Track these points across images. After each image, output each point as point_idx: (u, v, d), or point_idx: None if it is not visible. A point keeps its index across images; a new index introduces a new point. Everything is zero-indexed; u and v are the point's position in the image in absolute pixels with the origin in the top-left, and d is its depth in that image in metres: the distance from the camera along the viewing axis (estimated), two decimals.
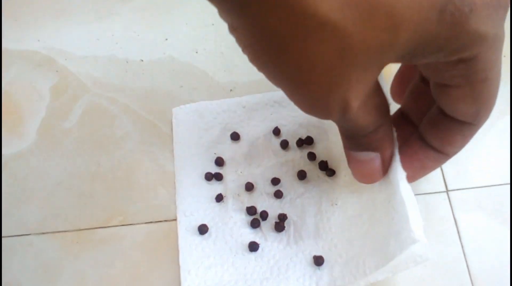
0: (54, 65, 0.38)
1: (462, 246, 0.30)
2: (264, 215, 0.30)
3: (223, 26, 0.36)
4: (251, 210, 0.30)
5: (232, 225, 0.31)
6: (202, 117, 0.35)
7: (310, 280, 0.28)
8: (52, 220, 0.33)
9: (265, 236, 0.30)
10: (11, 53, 0.39)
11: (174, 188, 0.33)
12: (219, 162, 0.33)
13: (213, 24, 0.39)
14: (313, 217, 0.30)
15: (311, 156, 0.32)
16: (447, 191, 0.31)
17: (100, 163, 0.34)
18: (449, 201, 0.31)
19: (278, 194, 0.31)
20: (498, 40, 0.20)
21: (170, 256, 0.31)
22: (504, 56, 0.34)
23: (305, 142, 0.32)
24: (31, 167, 0.35)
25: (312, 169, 0.32)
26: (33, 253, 0.32)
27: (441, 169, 0.32)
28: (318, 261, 0.28)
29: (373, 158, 0.26)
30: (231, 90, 0.36)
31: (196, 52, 0.38)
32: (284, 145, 0.33)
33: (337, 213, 0.30)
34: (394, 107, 0.28)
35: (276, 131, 0.33)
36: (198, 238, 0.31)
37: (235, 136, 0.33)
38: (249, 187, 0.31)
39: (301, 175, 0.31)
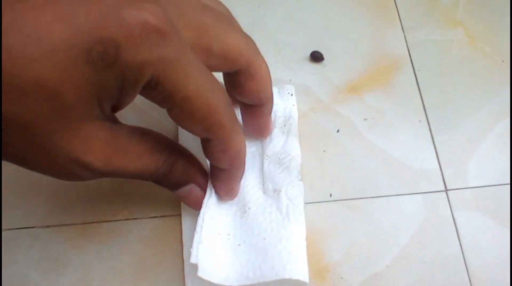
0: None
1: (461, 245, 0.30)
2: None
3: None
4: None
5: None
6: None
7: None
8: (58, 213, 0.33)
9: None
10: None
11: None
12: None
13: None
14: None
15: None
16: (446, 190, 0.32)
17: None
18: (448, 200, 0.32)
19: None
20: (169, 61, 0.20)
21: (174, 250, 0.31)
22: (503, 61, 0.35)
23: None
24: None
25: None
26: (39, 246, 0.32)
27: (441, 169, 0.33)
28: None
29: (191, 190, 0.28)
30: None
31: None
32: None
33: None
34: None
35: None
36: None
37: None
38: None
39: None
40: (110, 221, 0.33)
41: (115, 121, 0.24)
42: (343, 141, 0.34)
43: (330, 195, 0.32)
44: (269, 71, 0.28)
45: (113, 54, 0.19)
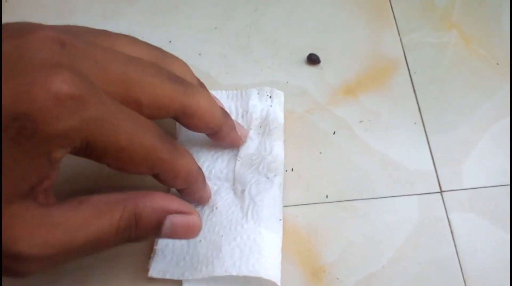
0: None
1: (455, 246, 0.31)
2: None
3: (227, 29, 0.38)
4: None
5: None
6: None
7: None
8: None
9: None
10: None
11: None
12: None
13: (216, 28, 0.40)
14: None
15: None
16: (441, 191, 0.32)
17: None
18: (443, 201, 0.32)
19: None
20: (93, 121, 0.20)
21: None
22: (497, 64, 0.36)
23: None
24: None
25: None
26: None
27: (436, 171, 0.33)
28: None
29: (173, 223, 0.25)
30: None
31: (200, 55, 0.39)
32: None
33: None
34: None
35: None
36: None
37: None
38: None
39: None
40: None
41: (47, 197, 0.22)
42: (339, 142, 0.34)
43: (326, 196, 0.33)
44: (210, 101, 0.28)
45: (31, 127, 0.19)
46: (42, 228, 0.20)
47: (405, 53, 0.38)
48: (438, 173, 0.33)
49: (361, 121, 0.35)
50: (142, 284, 0.30)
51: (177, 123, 0.35)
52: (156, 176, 0.26)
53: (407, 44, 0.39)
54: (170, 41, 0.40)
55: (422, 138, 0.34)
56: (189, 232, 0.26)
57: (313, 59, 0.38)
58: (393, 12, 0.40)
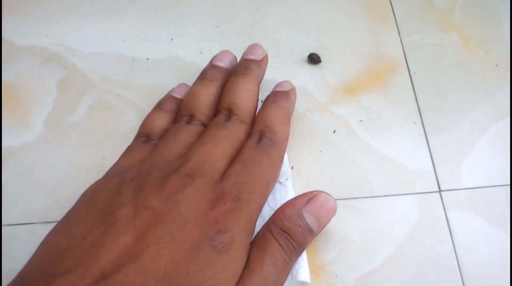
0: (61, 61, 0.39)
1: (454, 244, 0.31)
2: None
3: (228, 28, 0.38)
4: None
5: None
6: None
7: None
8: (57, 210, 0.33)
9: None
10: (20, 48, 0.40)
11: None
12: None
13: (218, 26, 0.40)
14: None
15: None
16: (440, 191, 0.33)
17: (105, 157, 0.35)
18: (442, 200, 0.32)
19: None
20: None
21: None
22: (497, 65, 0.36)
23: None
24: (38, 158, 0.35)
25: None
26: (37, 242, 0.32)
27: (435, 170, 0.33)
28: None
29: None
30: None
31: (201, 53, 0.39)
32: None
33: None
34: None
35: None
36: None
37: None
38: None
39: None
40: None
41: None
42: (339, 141, 0.35)
43: None
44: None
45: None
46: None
47: (405, 54, 0.38)
48: (437, 172, 0.33)
49: (361, 121, 0.35)
50: None
51: None
52: None
53: (408, 44, 0.39)
54: (172, 39, 0.40)
55: (422, 138, 0.35)
56: (329, 210, 0.28)
57: (314, 59, 0.38)
58: (393, 13, 0.41)
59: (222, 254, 0.23)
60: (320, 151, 0.34)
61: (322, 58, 0.38)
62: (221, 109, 0.31)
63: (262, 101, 0.35)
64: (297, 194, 0.32)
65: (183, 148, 0.29)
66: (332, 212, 0.27)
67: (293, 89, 0.34)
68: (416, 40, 0.39)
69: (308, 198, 0.27)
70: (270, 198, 0.32)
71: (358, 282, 0.30)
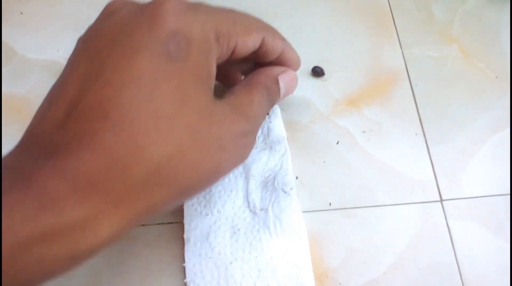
0: None
1: (455, 253, 0.32)
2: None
3: None
4: None
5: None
6: None
7: None
8: None
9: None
10: (32, 62, 0.41)
11: None
12: None
13: None
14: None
15: None
16: (441, 200, 0.33)
17: None
18: (443, 210, 0.33)
19: None
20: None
21: (178, 256, 0.32)
22: (497, 77, 0.37)
23: None
24: None
25: None
26: None
27: (436, 180, 0.34)
28: None
29: None
30: None
31: None
32: None
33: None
34: None
35: None
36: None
37: None
38: None
39: None
40: None
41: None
42: (342, 152, 0.36)
43: (330, 204, 0.34)
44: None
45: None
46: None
47: (406, 66, 0.39)
48: (438, 182, 0.34)
49: (363, 132, 0.36)
50: None
51: None
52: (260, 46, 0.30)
53: (409, 57, 0.40)
54: None
55: (423, 148, 0.35)
56: (295, 84, 0.32)
57: (317, 72, 0.39)
58: (395, 26, 0.42)
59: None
60: (324, 161, 0.35)
61: (325, 71, 0.39)
62: None
63: None
64: (301, 204, 0.33)
65: None
66: (296, 86, 0.32)
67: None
68: (417, 52, 0.40)
69: (282, 70, 0.31)
70: (275, 206, 0.33)
71: None
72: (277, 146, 0.35)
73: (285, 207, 0.33)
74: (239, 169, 0.35)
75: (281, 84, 0.30)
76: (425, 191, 0.34)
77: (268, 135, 0.36)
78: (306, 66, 0.40)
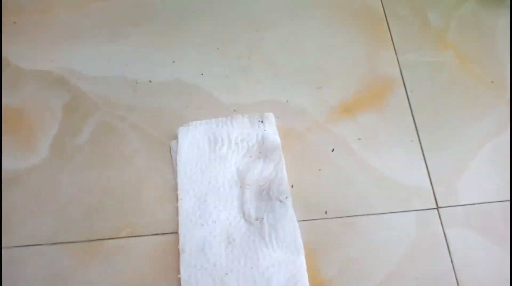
0: (66, 85, 0.40)
1: (452, 261, 0.31)
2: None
3: (228, 50, 0.39)
4: None
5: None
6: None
7: None
8: (64, 231, 0.34)
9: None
10: (26, 73, 0.41)
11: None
12: None
13: (218, 48, 0.41)
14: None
15: None
16: (437, 208, 0.33)
17: (109, 178, 0.36)
18: (440, 217, 0.33)
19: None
20: None
21: (173, 268, 0.32)
22: (492, 82, 0.37)
23: None
24: (43, 181, 0.36)
25: None
26: (45, 263, 0.33)
27: (432, 187, 0.34)
28: None
29: None
30: (234, 110, 0.38)
31: (202, 74, 0.40)
32: None
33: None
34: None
35: None
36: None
37: None
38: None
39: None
40: (113, 238, 0.34)
41: None
42: (338, 160, 0.35)
43: (326, 213, 0.33)
44: None
45: None
46: None
47: (401, 72, 0.39)
48: (435, 189, 0.34)
49: (359, 139, 0.36)
50: None
51: (173, 151, 0.36)
52: None
53: (404, 63, 0.40)
54: (173, 61, 0.41)
55: (419, 156, 0.35)
56: None
57: None
58: (390, 32, 0.41)
59: None
60: (319, 170, 0.35)
61: (320, 78, 0.39)
62: None
63: (249, 118, 0.37)
64: (296, 213, 0.33)
65: None
66: None
67: None
68: (413, 58, 0.40)
69: None
70: (270, 216, 0.33)
71: None
72: (271, 155, 0.35)
73: (280, 217, 0.32)
74: (234, 178, 0.35)
75: None
76: (422, 198, 0.34)
77: (262, 143, 0.36)
78: (300, 73, 0.39)
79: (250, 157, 0.35)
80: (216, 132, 0.37)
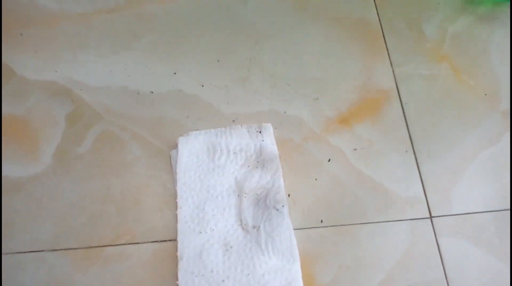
0: (70, 95, 0.41)
1: (444, 270, 0.32)
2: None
3: (228, 62, 0.40)
4: None
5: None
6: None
7: None
8: (64, 238, 0.35)
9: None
10: (31, 83, 0.42)
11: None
12: None
13: (218, 61, 0.42)
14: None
15: None
16: (431, 217, 0.34)
17: (110, 186, 0.37)
18: (433, 226, 0.34)
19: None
20: None
21: (172, 274, 0.33)
22: (486, 94, 0.37)
23: None
24: (46, 189, 0.37)
25: None
26: (46, 269, 0.34)
27: (426, 197, 0.35)
28: None
29: None
30: (233, 120, 0.39)
31: (202, 86, 0.41)
32: None
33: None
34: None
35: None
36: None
37: None
38: None
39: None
40: (113, 245, 0.34)
41: None
42: (334, 169, 0.36)
43: (321, 221, 0.34)
44: None
45: None
46: None
47: (397, 84, 0.40)
48: (428, 199, 0.35)
49: (354, 149, 0.37)
50: None
51: (173, 160, 0.37)
52: None
53: (399, 75, 0.41)
54: (174, 73, 0.42)
55: (413, 166, 0.36)
56: None
57: None
58: (386, 45, 0.42)
59: None
60: (316, 179, 0.36)
61: (317, 89, 0.40)
62: None
63: (247, 129, 0.38)
64: (293, 221, 0.34)
65: None
66: None
67: None
68: (408, 71, 0.41)
69: None
70: (267, 224, 0.33)
71: None
72: (269, 164, 0.36)
73: (277, 225, 0.33)
74: (232, 187, 0.36)
75: None
76: (415, 208, 0.34)
77: (260, 153, 0.37)
78: (298, 84, 0.40)
79: (248, 166, 0.36)
80: (215, 142, 0.37)
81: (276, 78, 0.41)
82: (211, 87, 0.41)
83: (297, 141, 0.38)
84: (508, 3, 0.43)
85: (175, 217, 0.35)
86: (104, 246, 0.35)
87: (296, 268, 0.32)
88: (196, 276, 0.32)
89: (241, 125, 0.38)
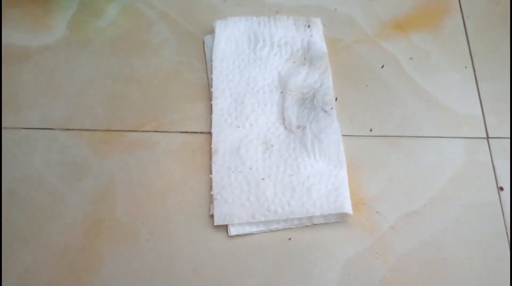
0: None
1: (499, 193, 0.30)
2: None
3: None
4: None
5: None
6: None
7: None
8: (80, 117, 0.31)
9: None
10: None
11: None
12: None
13: None
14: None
15: None
16: (487, 137, 0.31)
17: (134, 67, 0.32)
18: (489, 147, 0.31)
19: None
20: None
21: (203, 168, 0.30)
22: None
23: None
24: (59, 62, 0.32)
25: None
26: (57, 149, 0.30)
27: (483, 117, 0.32)
28: None
29: None
30: (276, 11, 0.35)
31: None
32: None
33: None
34: None
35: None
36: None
37: None
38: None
39: None
40: (136, 131, 0.30)
41: None
42: (387, 77, 0.33)
43: (371, 130, 0.31)
44: None
45: None
46: None
47: None
48: (486, 119, 0.32)
49: (410, 58, 0.33)
50: (210, 233, 0.28)
51: (207, 48, 0.33)
52: None
53: None
54: None
55: (472, 83, 0.33)
56: None
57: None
58: None
59: None
60: (367, 85, 0.32)
61: None
62: None
63: (294, 21, 0.34)
64: (340, 127, 0.30)
65: None
66: None
67: None
68: None
69: None
70: (313, 125, 0.30)
71: (399, 221, 0.28)
72: (317, 62, 0.32)
73: (324, 127, 0.30)
74: (275, 82, 0.32)
75: None
76: (472, 126, 0.32)
77: (308, 49, 0.33)
78: None
79: (294, 62, 0.32)
80: (258, 31, 0.33)
81: None
82: None
83: (347, 42, 0.34)
84: None
85: (208, 108, 0.31)
86: (125, 131, 0.30)
87: (343, 174, 0.29)
88: (233, 171, 0.29)
89: (288, 16, 0.34)
